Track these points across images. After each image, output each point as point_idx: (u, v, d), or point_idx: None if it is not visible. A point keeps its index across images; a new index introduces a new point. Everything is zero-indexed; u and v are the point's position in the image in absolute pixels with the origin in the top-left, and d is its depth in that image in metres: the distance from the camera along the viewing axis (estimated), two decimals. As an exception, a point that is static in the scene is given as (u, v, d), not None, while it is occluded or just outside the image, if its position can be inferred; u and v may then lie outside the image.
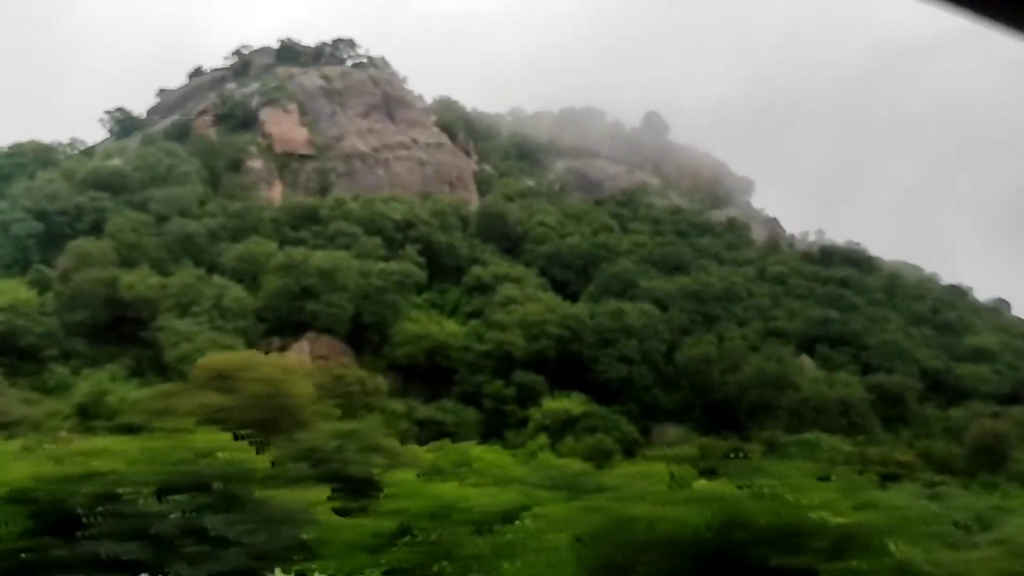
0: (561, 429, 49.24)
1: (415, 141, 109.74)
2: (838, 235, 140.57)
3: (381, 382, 54.77)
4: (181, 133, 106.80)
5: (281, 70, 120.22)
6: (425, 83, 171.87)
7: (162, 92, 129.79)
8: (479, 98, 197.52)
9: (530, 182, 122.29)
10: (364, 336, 65.78)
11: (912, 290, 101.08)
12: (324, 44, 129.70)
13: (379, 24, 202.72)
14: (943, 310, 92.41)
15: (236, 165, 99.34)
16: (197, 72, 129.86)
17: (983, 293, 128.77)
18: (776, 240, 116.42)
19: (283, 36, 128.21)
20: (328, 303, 61.85)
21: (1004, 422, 49.79)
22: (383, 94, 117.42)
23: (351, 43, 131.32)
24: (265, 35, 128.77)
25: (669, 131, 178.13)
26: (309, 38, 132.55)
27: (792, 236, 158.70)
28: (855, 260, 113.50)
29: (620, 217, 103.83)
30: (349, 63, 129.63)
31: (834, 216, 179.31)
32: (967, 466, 45.09)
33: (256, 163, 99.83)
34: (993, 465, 43.40)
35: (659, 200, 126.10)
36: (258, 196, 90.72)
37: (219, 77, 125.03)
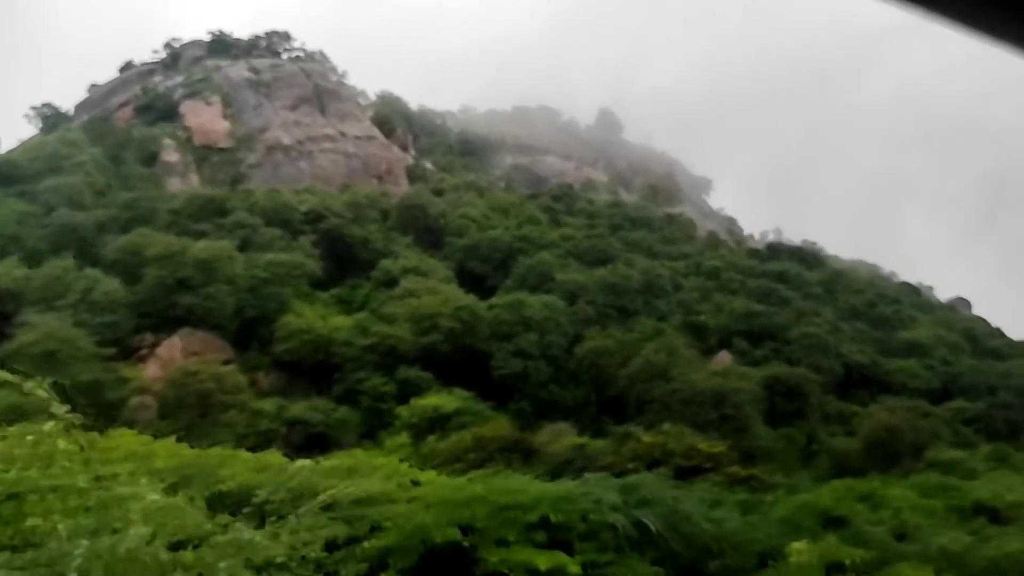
0: (430, 427, 45.62)
1: (343, 134, 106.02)
2: (799, 234, 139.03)
3: (242, 379, 50.91)
4: (102, 127, 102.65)
5: (210, 63, 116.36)
6: (376, 80, 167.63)
7: (92, 87, 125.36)
8: (431, 95, 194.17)
9: (470, 177, 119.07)
10: (253, 332, 61.88)
11: (852, 285, 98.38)
12: (258, 37, 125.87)
13: (334, 22, 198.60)
14: (880, 305, 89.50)
15: (151, 158, 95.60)
16: (128, 66, 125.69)
17: (946, 293, 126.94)
18: (716, 236, 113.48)
19: (214, 29, 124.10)
20: (205, 296, 57.89)
21: (899, 416, 46.68)
22: (314, 87, 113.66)
23: (286, 36, 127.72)
24: (213, 29, 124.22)
25: (623, 129, 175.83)
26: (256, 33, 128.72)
27: (751, 235, 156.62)
28: (802, 256, 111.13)
29: (553, 211, 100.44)
30: (285, 56, 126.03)
31: (797, 215, 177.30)
32: (862, 461, 41.88)
33: (172, 156, 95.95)
34: (887, 460, 40.13)
35: (606, 196, 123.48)
36: (164, 188, 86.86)
37: (148, 71, 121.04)
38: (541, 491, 12.65)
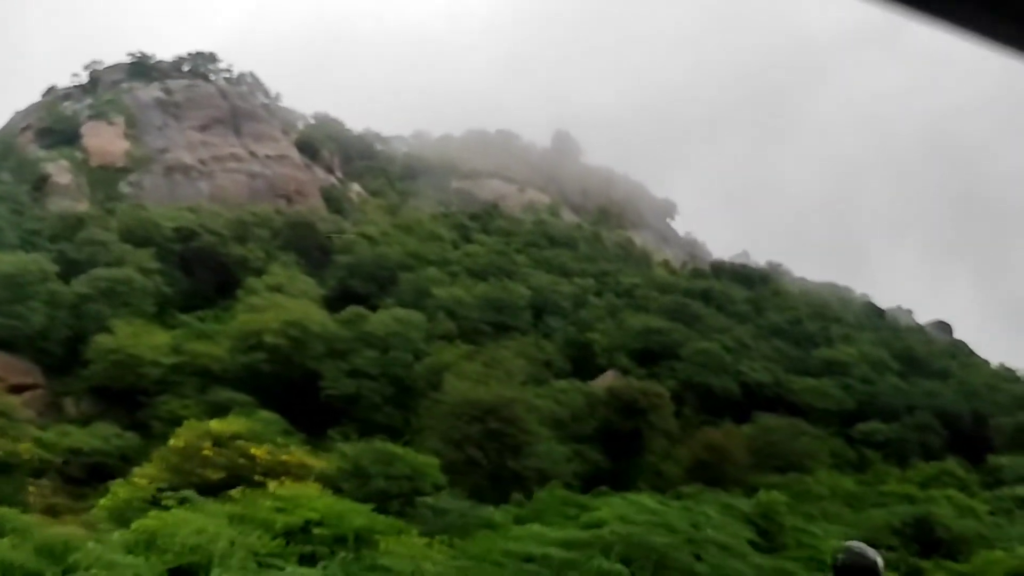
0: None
1: (253, 154, 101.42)
2: (770, 257, 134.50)
3: (12, 402, 45.24)
4: (5, 151, 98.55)
5: (126, 85, 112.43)
6: (325, 104, 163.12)
7: (16, 114, 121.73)
8: (387, 122, 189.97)
9: (395, 199, 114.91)
10: (77, 355, 56.26)
11: (785, 303, 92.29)
12: (181, 59, 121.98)
13: (291, 49, 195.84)
14: (806, 322, 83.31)
15: (43, 180, 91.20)
16: (50, 91, 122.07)
17: (927, 317, 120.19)
18: (647, 254, 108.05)
19: (136, 51, 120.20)
20: (7, 314, 52.49)
21: (725, 434, 40.63)
22: (231, 107, 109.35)
23: (211, 57, 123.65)
24: (135, 51, 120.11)
25: (581, 152, 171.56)
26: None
27: (720, 260, 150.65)
28: (745, 276, 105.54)
29: (466, 229, 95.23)
30: (212, 79, 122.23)
31: (773, 242, 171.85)
32: (687, 480, 36.14)
33: (64, 177, 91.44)
34: (712, 482, 34.22)
35: (547, 216, 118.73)
36: (46, 209, 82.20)
37: (68, 95, 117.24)
38: None
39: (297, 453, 27.55)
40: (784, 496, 24.32)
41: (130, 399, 52.99)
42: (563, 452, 35.10)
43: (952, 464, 47.67)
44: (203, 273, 75.25)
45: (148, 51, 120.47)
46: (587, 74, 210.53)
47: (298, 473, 24.94)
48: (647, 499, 17.85)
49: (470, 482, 28.58)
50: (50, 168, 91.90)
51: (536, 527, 12.00)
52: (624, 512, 16.52)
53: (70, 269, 64.54)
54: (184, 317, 66.68)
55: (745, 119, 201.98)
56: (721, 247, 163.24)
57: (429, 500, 19.56)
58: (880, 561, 6.46)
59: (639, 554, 11.47)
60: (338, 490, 26.83)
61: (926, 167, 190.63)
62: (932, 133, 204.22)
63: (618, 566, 10.71)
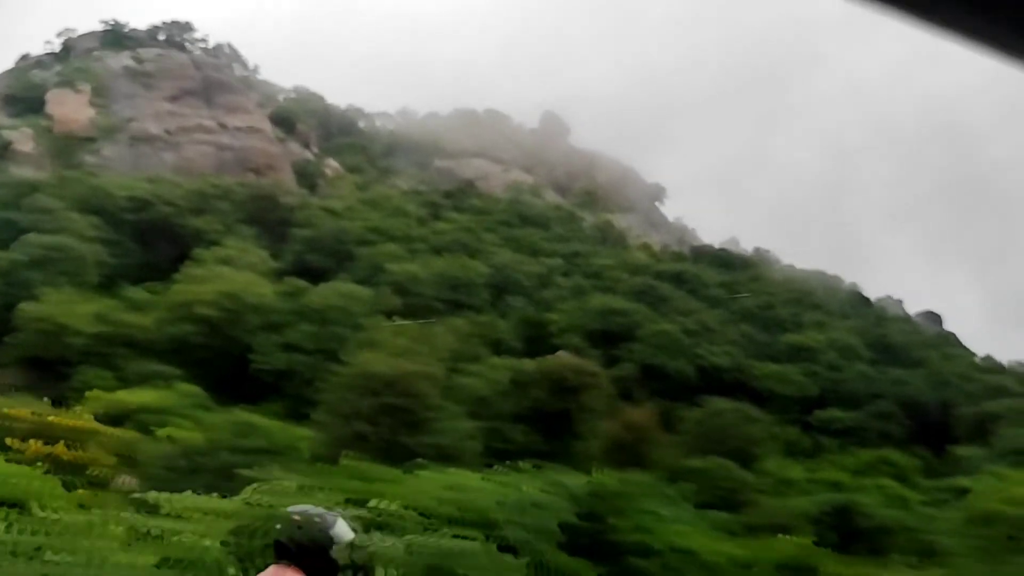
0: (115, 425, 38.19)
1: (223, 126, 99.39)
2: (763, 244, 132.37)
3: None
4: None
5: (97, 54, 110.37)
6: (315, 80, 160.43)
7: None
8: (372, 98, 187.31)
9: (372, 175, 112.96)
10: (7, 324, 54.54)
11: (763, 288, 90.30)
12: (156, 28, 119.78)
13: (273, 19, 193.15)
14: (778, 308, 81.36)
15: (5, 148, 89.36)
16: (24, 58, 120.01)
17: (921, 307, 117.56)
18: (624, 237, 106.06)
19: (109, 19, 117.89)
20: (-68, 280, 50.87)
21: (644, 413, 38.88)
22: (204, 78, 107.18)
23: (187, 27, 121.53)
24: (108, 19, 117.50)
25: (570, 133, 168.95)
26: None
27: (710, 244, 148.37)
28: (726, 261, 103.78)
29: (437, 206, 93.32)
30: (188, 48, 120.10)
31: (771, 229, 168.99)
32: (605, 461, 34.35)
33: (26, 146, 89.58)
34: (631, 460, 32.43)
35: (529, 197, 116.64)
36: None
37: (39, 62, 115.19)
38: None
39: (66, 417, 26.02)
40: (645, 477, 22.61)
41: (58, 370, 51.38)
42: (468, 429, 33.32)
43: (890, 452, 45.87)
44: (159, 244, 73.54)
45: (126, 20, 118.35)
46: (580, 55, 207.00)
47: (57, 436, 23.38)
48: (464, 475, 16.14)
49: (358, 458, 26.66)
50: (13, 136, 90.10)
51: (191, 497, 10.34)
52: (421, 488, 14.76)
53: (18, 237, 62.98)
54: (133, 289, 65.03)
55: (740, 101, 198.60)
56: (713, 233, 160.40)
57: (247, 472, 17.85)
58: (344, 534, 4.44)
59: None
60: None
61: (925, 151, 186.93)
62: (932, 117, 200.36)
63: (208, 541, 8.97)
